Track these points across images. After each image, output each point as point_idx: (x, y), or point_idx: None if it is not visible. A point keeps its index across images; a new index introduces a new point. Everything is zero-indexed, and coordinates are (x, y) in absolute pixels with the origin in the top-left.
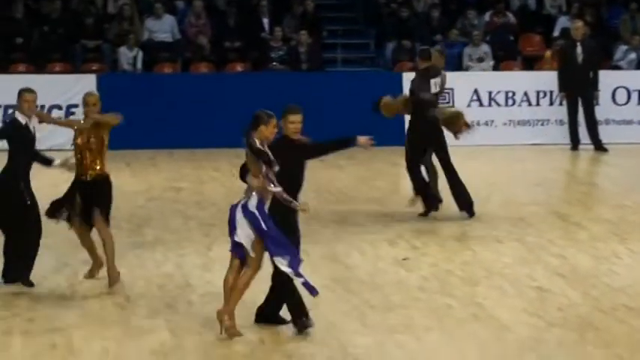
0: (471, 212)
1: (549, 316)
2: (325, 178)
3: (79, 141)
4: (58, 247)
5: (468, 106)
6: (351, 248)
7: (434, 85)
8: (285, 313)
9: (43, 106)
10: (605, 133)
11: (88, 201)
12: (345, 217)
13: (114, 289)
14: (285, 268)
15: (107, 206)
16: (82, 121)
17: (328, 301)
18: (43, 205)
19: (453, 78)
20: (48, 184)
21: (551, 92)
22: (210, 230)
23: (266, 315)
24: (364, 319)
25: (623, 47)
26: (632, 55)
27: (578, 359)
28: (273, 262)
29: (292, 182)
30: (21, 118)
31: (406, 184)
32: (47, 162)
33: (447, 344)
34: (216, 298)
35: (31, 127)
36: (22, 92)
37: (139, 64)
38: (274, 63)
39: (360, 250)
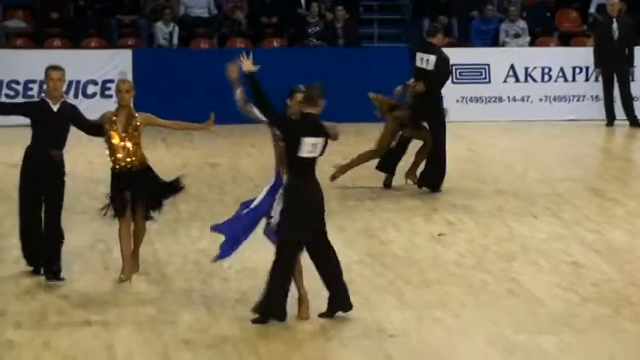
0: (433, 188)
1: (584, 291)
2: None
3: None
4: (91, 223)
5: (505, 81)
6: (386, 224)
7: (420, 60)
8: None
9: (78, 82)
10: None
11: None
12: (380, 193)
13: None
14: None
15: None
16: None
17: (364, 276)
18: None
19: (489, 54)
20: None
21: (587, 68)
22: None
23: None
24: (400, 295)
25: None
26: None
27: (612, 334)
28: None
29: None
30: (48, 99)
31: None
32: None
33: (483, 319)
34: (252, 274)
35: (55, 108)
36: (47, 70)
37: (175, 40)
38: (311, 39)
39: (396, 226)
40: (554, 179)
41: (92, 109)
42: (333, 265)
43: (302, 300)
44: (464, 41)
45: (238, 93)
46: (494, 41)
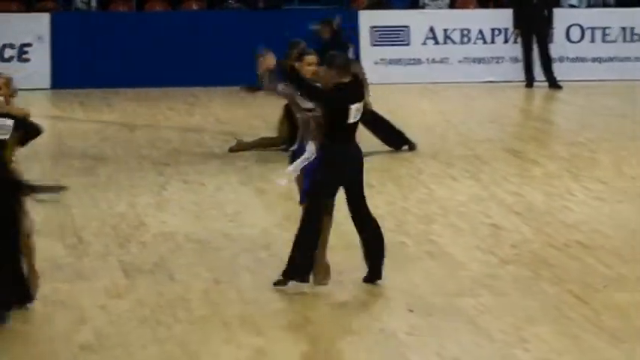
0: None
1: (503, 253)
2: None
3: None
4: None
5: (424, 43)
6: None
7: None
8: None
9: None
10: (559, 71)
11: None
12: None
13: None
14: None
15: None
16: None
17: (282, 239)
18: None
19: (408, 16)
20: None
21: (506, 30)
22: (164, 170)
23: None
24: None
25: None
26: None
27: (531, 295)
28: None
29: None
30: None
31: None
32: None
33: (401, 281)
34: (170, 237)
35: None
36: None
37: (94, 3)
38: (230, 1)
39: None
40: (472, 141)
41: (9, 73)
42: (373, 235)
43: (321, 268)
44: (384, 3)
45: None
46: (414, 3)
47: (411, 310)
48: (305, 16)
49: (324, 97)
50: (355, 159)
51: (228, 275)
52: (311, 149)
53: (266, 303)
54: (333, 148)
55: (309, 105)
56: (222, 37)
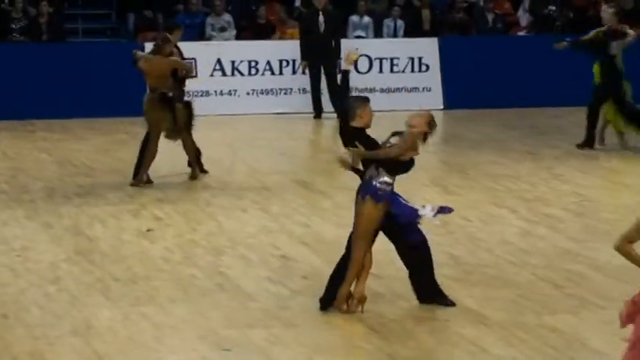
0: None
1: (293, 284)
2: (68, 150)
3: None
4: None
5: (211, 75)
6: (94, 220)
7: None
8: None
9: None
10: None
11: None
12: (87, 190)
13: None
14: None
15: None
16: None
17: (71, 274)
18: None
19: (195, 48)
20: None
21: (294, 61)
22: None
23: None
24: (108, 292)
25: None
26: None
27: (322, 326)
28: None
29: None
30: None
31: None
32: None
33: (193, 315)
34: None
35: None
36: None
37: None
38: (15, 34)
39: (103, 222)
40: (262, 173)
41: None
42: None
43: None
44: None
45: None
46: (201, 35)
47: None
48: (89, 49)
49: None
50: None
51: (15, 311)
52: None
53: (56, 338)
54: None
55: None
56: (6, 70)
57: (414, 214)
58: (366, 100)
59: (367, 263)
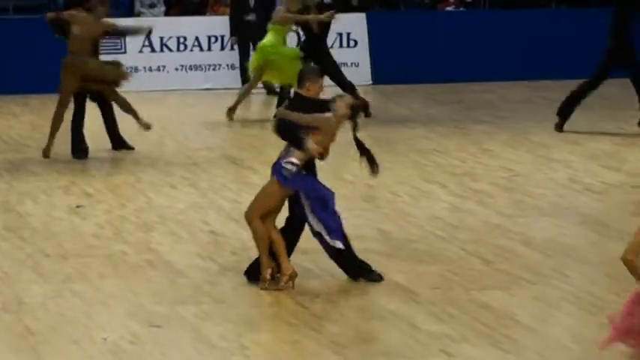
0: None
1: (223, 259)
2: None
3: None
4: None
5: (140, 52)
6: (24, 196)
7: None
8: None
9: None
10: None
11: None
12: (18, 166)
13: None
14: None
15: None
16: None
17: (1, 250)
18: None
19: (124, 24)
20: None
21: (223, 37)
22: None
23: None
24: (39, 269)
25: None
26: None
27: (252, 302)
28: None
29: None
30: None
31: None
32: None
33: (123, 291)
34: None
35: None
36: None
37: None
38: None
39: (34, 199)
40: (191, 149)
41: None
42: None
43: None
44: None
45: None
46: (130, 12)
47: (105, 339)
48: (19, 25)
49: None
50: None
51: None
52: None
53: None
54: None
55: None
56: None
57: (328, 195)
58: (319, 74)
59: (278, 239)
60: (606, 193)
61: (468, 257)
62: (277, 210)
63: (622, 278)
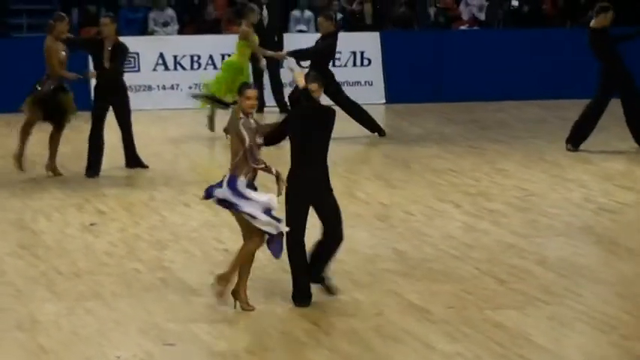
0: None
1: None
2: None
3: None
4: None
5: (154, 70)
6: (38, 214)
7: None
8: None
9: None
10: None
11: None
12: (32, 184)
13: None
14: None
15: None
16: None
17: (16, 268)
18: None
19: (138, 43)
20: None
21: None
22: None
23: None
24: (53, 287)
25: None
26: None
27: (264, 320)
28: None
29: None
30: None
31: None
32: None
33: (136, 309)
34: None
35: None
36: None
37: None
38: None
39: (47, 216)
40: (205, 167)
41: None
42: None
43: None
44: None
45: None
46: (143, 30)
47: (118, 357)
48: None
49: None
50: None
51: None
52: None
53: (1, 333)
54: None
55: None
56: None
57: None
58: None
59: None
60: (620, 213)
61: (482, 277)
62: (249, 229)
63: (635, 297)
